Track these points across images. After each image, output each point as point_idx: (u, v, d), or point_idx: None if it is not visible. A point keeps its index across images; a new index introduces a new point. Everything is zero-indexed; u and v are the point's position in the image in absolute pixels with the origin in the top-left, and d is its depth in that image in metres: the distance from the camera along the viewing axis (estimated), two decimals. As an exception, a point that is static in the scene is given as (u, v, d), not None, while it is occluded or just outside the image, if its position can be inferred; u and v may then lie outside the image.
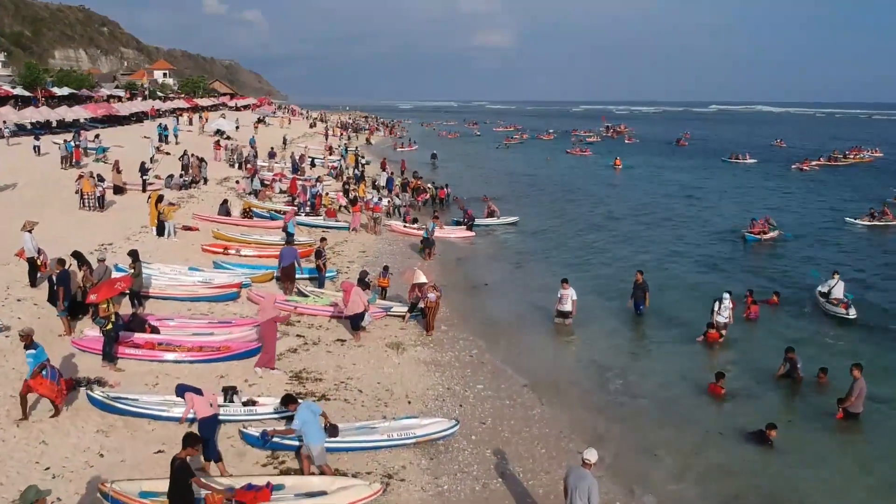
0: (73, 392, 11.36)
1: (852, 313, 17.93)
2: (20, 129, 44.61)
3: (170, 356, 13.10)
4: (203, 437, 9.48)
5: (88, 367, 12.46)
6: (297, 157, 42.86)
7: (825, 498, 10.29)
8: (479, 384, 13.58)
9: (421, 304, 16.29)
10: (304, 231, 26.14)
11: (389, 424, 10.96)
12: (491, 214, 31.00)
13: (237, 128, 58.30)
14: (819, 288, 19.51)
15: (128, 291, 14.78)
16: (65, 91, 64.95)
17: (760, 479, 10.69)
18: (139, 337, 13.51)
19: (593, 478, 7.96)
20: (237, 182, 33.97)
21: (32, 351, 10.52)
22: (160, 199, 22.79)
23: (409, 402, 12.39)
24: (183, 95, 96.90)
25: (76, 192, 25.36)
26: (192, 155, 34.75)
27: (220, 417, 10.84)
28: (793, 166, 56.40)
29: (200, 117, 66.87)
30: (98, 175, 26.53)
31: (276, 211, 28.66)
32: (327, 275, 19.49)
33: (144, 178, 29.09)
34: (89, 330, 13.45)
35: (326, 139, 66.51)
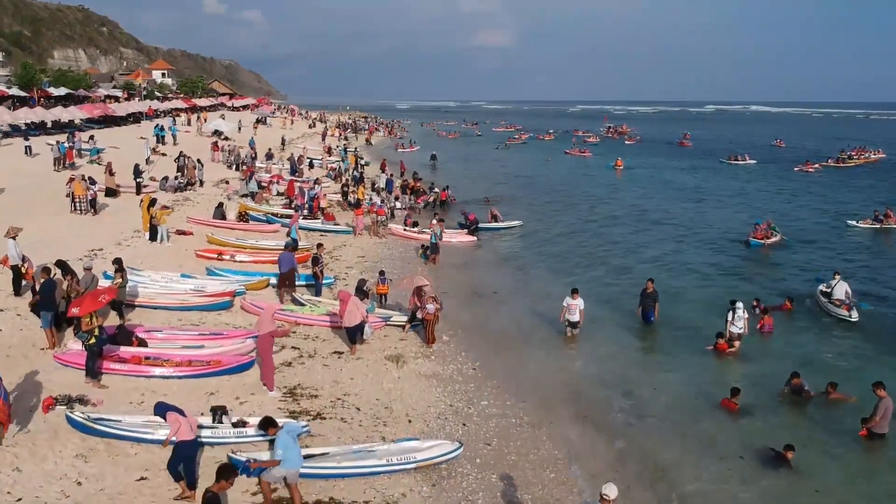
0: (53, 412, 10.70)
1: (854, 315, 17.72)
2: (14, 130, 43.91)
3: (157, 371, 12.42)
4: (181, 461, 8.86)
5: (71, 384, 11.78)
6: (295, 159, 42.19)
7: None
8: (483, 400, 12.90)
9: (419, 316, 15.60)
10: (301, 235, 25.44)
11: (388, 447, 10.28)
12: (494, 220, 30.30)
13: (239, 129, 57.58)
14: (820, 288, 19.33)
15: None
16: (61, 91, 64.22)
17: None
18: (125, 351, 12.83)
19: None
20: (226, 183, 33.21)
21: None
22: (153, 202, 22.12)
23: (410, 422, 11.71)
24: (182, 95, 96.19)
25: (67, 196, 24.69)
26: (184, 156, 34.01)
27: (209, 440, 10.22)
28: (796, 168, 55.66)
29: (199, 117, 66.17)
30: (89, 178, 25.84)
31: (272, 214, 28.00)
32: (325, 282, 18.82)
33: (138, 180, 28.40)
34: (73, 343, 12.76)
35: (324, 140, 65.74)
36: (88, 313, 11.49)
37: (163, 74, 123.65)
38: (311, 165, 42.55)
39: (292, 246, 21.01)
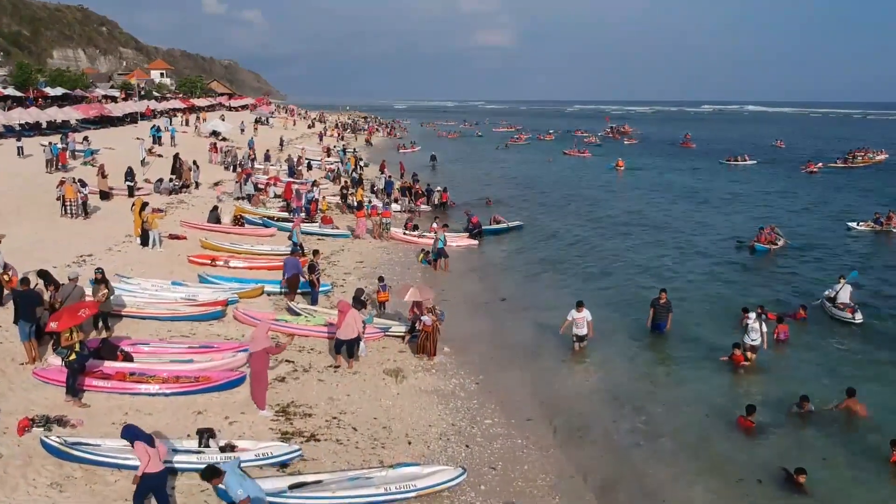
0: (29, 434, 10.02)
1: (858, 318, 17.47)
2: (8, 131, 43.22)
3: (142, 388, 11.73)
4: (150, 493, 8.18)
5: (50, 403, 11.12)
6: (294, 160, 41.49)
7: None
8: (486, 419, 12.22)
9: (418, 327, 14.93)
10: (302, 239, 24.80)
11: (387, 474, 9.59)
12: (496, 223, 29.64)
13: (242, 130, 56.93)
14: (826, 293, 19.03)
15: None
16: (58, 91, 63.59)
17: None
18: (109, 366, 12.14)
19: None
20: (216, 185, 32.49)
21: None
22: (144, 206, 21.46)
23: (410, 443, 11.03)
24: (181, 95, 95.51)
25: (57, 199, 24.02)
26: (176, 158, 33.30)
27: (195, 466, 9.53)
28: (802, 169, 54.91)
29: (198, 118, 65.47)
30: (80, 180, 25.14)
31: (269, 217, 27.31)
32: (322, 289, 18.15)
33: (129, 184, 27.70)
34: (53, 358, 12.08)
35: (321, 140, 64.96)
36: (67, 328, 10.81)
37: (161, 74, 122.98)
38: (309, 167, 41.77)
39: (294, 250, 20.55)
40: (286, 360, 13.76)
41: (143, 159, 36.46)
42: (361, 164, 45.15)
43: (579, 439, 11.77)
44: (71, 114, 50.64)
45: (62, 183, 24.09)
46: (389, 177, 38.40)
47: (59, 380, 11.42)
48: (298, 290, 18.11)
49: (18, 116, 44.59)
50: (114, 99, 69.82)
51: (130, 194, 27.01)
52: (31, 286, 12.99)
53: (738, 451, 11.56)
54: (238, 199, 30.13)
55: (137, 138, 43.83)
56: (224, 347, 13.60)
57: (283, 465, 9.88)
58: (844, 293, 18.26)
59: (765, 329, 15.09)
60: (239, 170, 35.98)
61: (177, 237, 22.72)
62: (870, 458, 11.34)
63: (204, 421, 11.03)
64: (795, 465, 10.45)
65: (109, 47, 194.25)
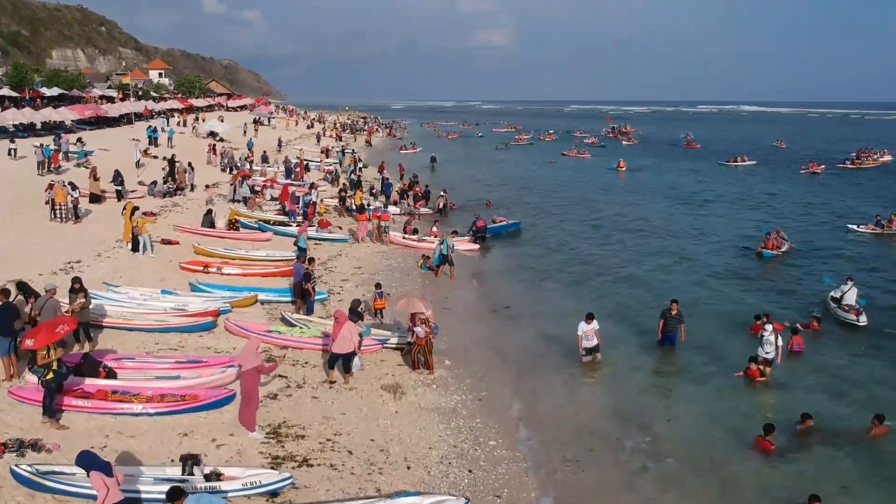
0: (1, 461, 9.34)
1: (863, 320, 17.37)
2: (1, 132, 42.51)
3: (125, 408, 11.03)
4: None
5: (26, 424, 10.44)
6: (291, 162, 40.79)
7: None
8: (491, 439, 11.53)
9: (409, 339, 14.25)
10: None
11: (384, 505, 8.91)
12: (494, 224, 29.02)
13: (245, 132, 56.27)
14: (832, 293, 18.96)
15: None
16: (54, 91, 62.88)
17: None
18: (90, 384, 11.46)
19: None
20: (206, 187, 31.78)
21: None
22: (135, 210, 20.78)
23: (409, 468, 10.33)
24: (179, 96, 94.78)
25: (46, 203, 23.34)
26: (166, 159, 32.60)
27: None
28: (803, 170, 54.13)
29: (197, 118, 64.73)
30: (71, 183, 24.46)
31: (264, 221, 26.61)
32: (318, 297, 17.44)
33: (118, 188, 26.98)
34: (30, 376, 11.37)
35: (318, 141, 64.18)
36: (44, 346, 10.12)
37: (160, 74, 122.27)
38: (307, 169, 41.06)
39: (300, 255, 20.00)
40: (279, 376, 13.06)
41: (138, 161, 35.80)
42: (360, 165, 44.40)
43: (588, 462, 11.08)
44: (66, 114, 49.93)
45: (51, 186, 23.40)
46: (386, 178, 37.68)
47: (35, 399, 10.73)
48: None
49: (12, 117, 43.90)
50: (111, 99, 69.12)
51: (119, 198, 26.34)
52: (10, 298, 12.30)
53: (755, 475, 10.88)
54: (233, 201, 29.45)
55: (133, 139, 43.18)
56: (213, 362, 12.89)
57: (272, 495, 9.20)
58: (851, 295, 18.16)
59: (780, 342, 14.40)
60: (234, 172, 35.25)
61: (169, 242, 22.05)
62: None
63: (190, 444, 10.34)
64: (815, 491, 9.75)
65: (109, 47, 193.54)
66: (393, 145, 74.56)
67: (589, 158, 64.88)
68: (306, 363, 13.91)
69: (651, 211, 35.90)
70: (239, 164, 38.21)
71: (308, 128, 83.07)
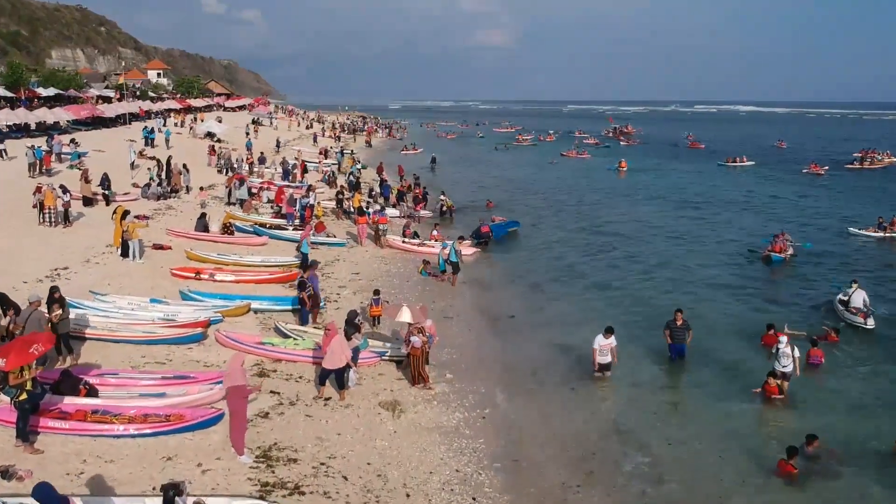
0: (-34, 490, 8.65)
1: (870, 323, 17.17)
2: (-5, 133, 41.82)
3: (105, 428, 10.33)
4: None
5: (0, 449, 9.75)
6: (289, 164, 40.10)
7: None
8: (496, 461, 10.84)
9: (403, 350, 13.57)
10: (292, 248, 23.47)
11: (381, 541, 8.21)
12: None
13: (247, 133, 55.61)
14: (839, 296, 18.67)
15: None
16: (50, 91, 62.12)
17: None
18: (69, 403, 10.76)
19: None
20: (201, 189, 31.08)
21: None
22: (126, 214, 20.08)
23: (409, 496, 9.64)
24: (178, 96, 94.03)
25: (34, 206, 22.66)
26: (153, 158, 31.87)
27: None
28: (805, 171, 53.37)
29: (195, 118, 64.00)
30: (61, 186, 23.76)
31: (260, 225, 25.91)
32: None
33: (106, 192, 26.26)
34: (3, 395, 10.67)
35: (315, 142, 63.44)
36: (16, 367, 9.42)
37: (158, 74, 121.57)
38: (305, 170, 40.32)
39: (304, 261, 19.63)
40: (271, 392, 12.38)
41: (133, 162, 35.10)
42: (359, 166, 43.70)
43: (601, 487, 10.38)
44: (61, 115, 49.21)
45: (39, 189, 22.69)
46: (385, 180, 36.95)
47: (8, 420, 10.04)
48: (288, 308, 16.84)
49: (5, 117, 43.18)
50: (108, 99, 68.36)
51: (107, 203, 25.67)
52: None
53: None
54: (229, 204, 28.75)
55: (129, 140, 42.52)
56: (202, 378, 12.20)
57: (260, 528, 8.51)
58: (858, 297, 17.94)
59: (797, 354, 13.69)
60: (230, 173, 34.53)
61: (161, 247, 21.37)
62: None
63: (173, 469, 9.65)
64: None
65: (108, 47, 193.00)
66: (393, 146, 73.85)
67: (589, 159, 64.27)
68: (300, 377, 13.22)
69: (653, 213, 35.18)
70: (235, 166, 37.47)
71: (307, 128, 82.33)
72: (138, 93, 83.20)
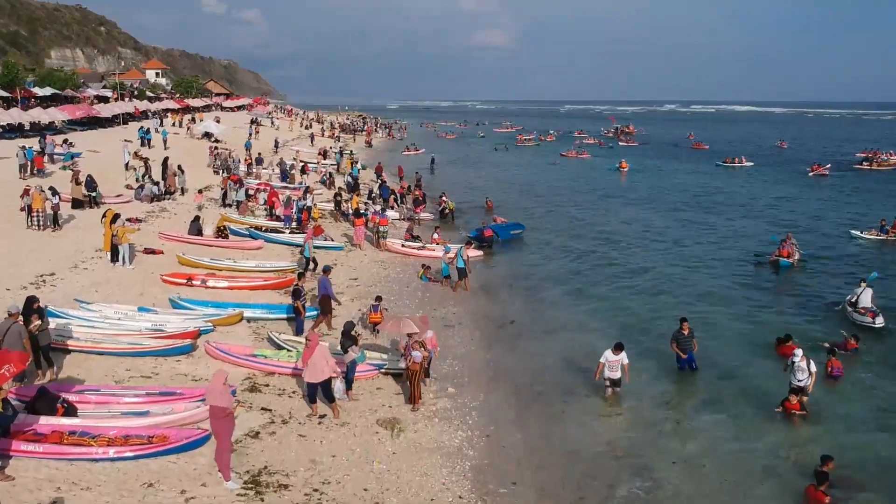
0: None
1: (879, 322, 17.05)
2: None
3: (83, 451, 9.62)
4: None
5: (-34, 473, 9.03)
6: (287, 165, 39.38)
7: None
8: (501, 486, 10.13)
9: (402, 364, 12.86)
10: (288, 252, 22.79)
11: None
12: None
13: (250, 134, 54.89)
14: (848, 297, 18.46)
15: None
16: (47, 91, 61.43)
17: None
18: (44, 423, 10.04)
19: None
20: (199, 192, 30.35)
21: None
22: (116, 217, 19.35)
23: (407, 527, 8.94)
24: (177, 96, 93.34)
25: (22, 209, 21.95)
26: (142, 157, 31.14)
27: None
28: (809, 172, 52.59)
29: (193, 118, 63.26)
30: (51, 188, 23.05)
31: (256, 228, 25.19)
32: (309, 314, 16.03)
33: (92, 194, 25.52)
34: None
35: (312, 142, 62.67)
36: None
37: (157, 74, 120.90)
38: (303, 171, 39.57)
39: (307, 266, 19.21)
40: (262, 409, 11.67)
41: (127, 163, 34.37)
42: (358, 167, 42.94)
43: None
44: (56, 115, 48.52)
45: (27, 192, 21.97)
46: (384, 181, 36.22)
47: (-21, 443, 9.33)
48: (283, 316, 16.14)
49: (-1, 118, 42.51)
50: (105, 99, 67.68)
51: (93, 206, 24.95)
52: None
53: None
54: (224, 206, 28.03)
55: (125, 140, 41.78)
56: (188, 394, 11.48)
57: (246, 566, 7.80)
58: (866, 297, 17.79)
59: (814, 369, 12.94)
60: (225, 175, 33.78)
61: (152, 251, 20.66)
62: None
63: (155, 497, 8.97)
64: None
65: (108, 47, 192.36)
66: (393, 146, 73.11)
67: (588, 159, 63.57)
68: (294, 393, 12.50)
69: (656, 216, 34.36)
70: (232, 167, 36.73)
71: (306, 128, 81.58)
72: (136, 93, 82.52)
